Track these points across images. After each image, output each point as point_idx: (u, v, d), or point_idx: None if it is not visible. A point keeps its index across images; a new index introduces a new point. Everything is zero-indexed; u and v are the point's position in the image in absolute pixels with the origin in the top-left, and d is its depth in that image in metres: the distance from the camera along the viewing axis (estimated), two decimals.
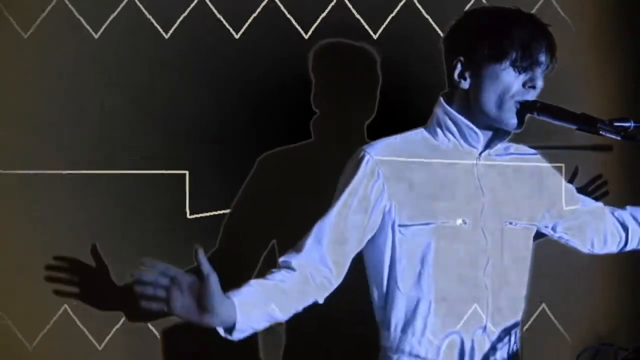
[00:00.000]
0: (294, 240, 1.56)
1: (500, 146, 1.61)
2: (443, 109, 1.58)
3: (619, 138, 1.41)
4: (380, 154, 1.56)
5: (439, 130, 1.59)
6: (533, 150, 1.71)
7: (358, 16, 2.04)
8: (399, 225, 1.54)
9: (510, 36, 1.49)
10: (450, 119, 1.57)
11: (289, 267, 1.51)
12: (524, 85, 1.51)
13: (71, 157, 1.93)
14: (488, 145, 1.59)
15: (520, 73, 1.50)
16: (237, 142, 2.01)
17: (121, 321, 1.94)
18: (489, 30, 1.53)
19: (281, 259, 1.53)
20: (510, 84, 1.50)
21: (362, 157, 1.56)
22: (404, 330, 1.56)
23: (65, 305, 1.92)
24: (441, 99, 1.60)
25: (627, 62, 2.23)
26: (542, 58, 1.51)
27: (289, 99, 2.02)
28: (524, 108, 1.50)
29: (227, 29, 1.99)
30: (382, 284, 1.58)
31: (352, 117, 2.03)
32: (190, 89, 1.99)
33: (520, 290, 1.63)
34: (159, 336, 1.96)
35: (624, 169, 2.20)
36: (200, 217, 1.98)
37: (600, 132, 1.41)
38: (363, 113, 2.02)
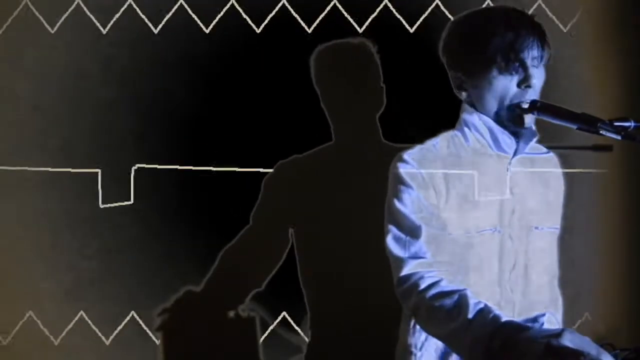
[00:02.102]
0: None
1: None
2: (477, 115, 1.56)
3: (619, 138, 1.40)
4: (417, 163, 1.53)
5: (470, 135, 1.58)
6: (546, 149, 1.69)
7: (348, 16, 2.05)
8: None
9: (490, 42, 1.47)
10: (484, 124, 1.55)
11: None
12: (519, 86, 1.50)
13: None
14: (516, 150, 1.57)
15: (512, 75, 1.49)
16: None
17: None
18: (470, 41, 1.52)
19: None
20: (505, 89, 1.50)
21: (398, 168, 1.53)
22: None
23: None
24: (466, 105, 1.59)
25: (627, 62, 2.23)
26: (533, 53, 1.49)
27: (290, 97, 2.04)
28: (524, 109, 1.50)
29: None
30: None
31: (362, 111, 2.03)
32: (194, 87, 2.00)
33: (544, 294, 1.61)
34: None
35: (624, 169, 2.20)
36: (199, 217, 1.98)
37: (600, 132, 1.41)
38: (373, 105, 2.02)
